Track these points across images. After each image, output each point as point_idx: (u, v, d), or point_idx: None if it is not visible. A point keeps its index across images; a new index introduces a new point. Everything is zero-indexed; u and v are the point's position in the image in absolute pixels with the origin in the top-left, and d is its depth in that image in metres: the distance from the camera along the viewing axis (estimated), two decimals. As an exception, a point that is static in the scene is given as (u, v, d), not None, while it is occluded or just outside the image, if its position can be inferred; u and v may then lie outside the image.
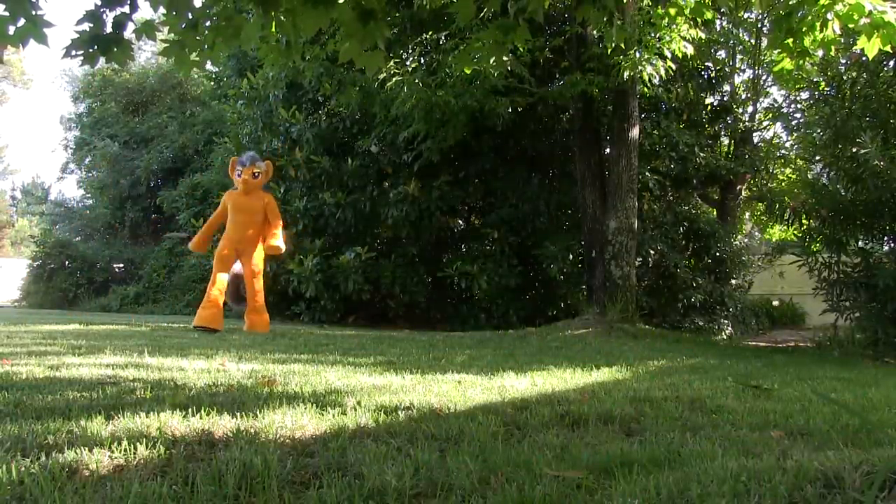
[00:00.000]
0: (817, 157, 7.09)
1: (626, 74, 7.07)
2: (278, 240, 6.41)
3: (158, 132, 19.93)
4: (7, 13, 2.39)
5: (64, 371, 2.95)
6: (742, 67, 12.61)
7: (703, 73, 11.39)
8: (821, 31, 3.90)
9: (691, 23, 7.04)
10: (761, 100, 12.73)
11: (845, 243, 6.28)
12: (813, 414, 2.35)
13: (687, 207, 11.01)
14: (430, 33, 9.21)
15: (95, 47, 2.58)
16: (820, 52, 4.81)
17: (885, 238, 6.60)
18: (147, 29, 2.75)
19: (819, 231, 6.50)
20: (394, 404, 2.32)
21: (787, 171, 12.92)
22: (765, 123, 12.64)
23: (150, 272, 16.77)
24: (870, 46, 3.64)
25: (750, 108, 12.28)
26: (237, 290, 6.54)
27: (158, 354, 3.82)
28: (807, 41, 4.09)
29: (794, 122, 10.70)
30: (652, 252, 9.47)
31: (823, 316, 7.02)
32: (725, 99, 11.92)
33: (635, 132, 8.07)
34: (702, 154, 10.40)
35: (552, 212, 10.47)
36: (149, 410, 2.03)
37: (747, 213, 14.42)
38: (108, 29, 2.59)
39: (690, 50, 7.11)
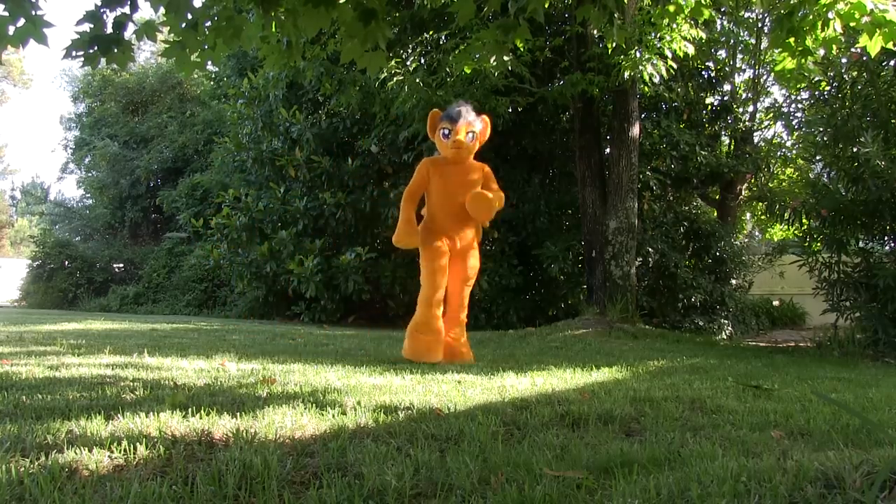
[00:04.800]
0: (818, 157, 7.07)
1: (626, 74, 7.06)
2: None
3: (158, 132, 19.93)
4: (7, 13, 2.39)
5: (64, 371, 2.95)
6: (742, 67, 12.59)
7: (703, 72, 11.38)
8: (822, 30, 3.90)
9: (692, 23, 7.03)
10: (762, 99, 12.71)
11: (846, 243, 6.27)
12: (813, 414, 2.35)
13: (687, 207, 10.98)
14: (430, 33, 9.21)
15: (96, 48, 2.58)
16: (821, 52, 4.80)
17: (886, 238, 6.59)
18: (147, 29, 2.75)
19: (819, 231, 6.49)
20: (394, 404, 2.32)
21: (788, 170, 12.90)
22: (765, 123, 12.63)
23: (150, 272, 16.76)
24: (871, 45, 3.64)
25: (750, 108, 12.26)
26: None
27: (158, 354, 3.82)
28: (808, 40, 4.09)
29: (794, 122, 10.68)
30: (652, 252, 9.46)
31: (823, 316, 7.01)
32: (726, 98, 11.91)
33: (635, 132, 8.06)
34: (703, 153, 10.39)
35: (552, 212, 10.46)
36: (149, 410, 2.03)
37: (748, 213, 14.39)
38: (109, 29, 2.59)
39: (691, 50, 7.10)
